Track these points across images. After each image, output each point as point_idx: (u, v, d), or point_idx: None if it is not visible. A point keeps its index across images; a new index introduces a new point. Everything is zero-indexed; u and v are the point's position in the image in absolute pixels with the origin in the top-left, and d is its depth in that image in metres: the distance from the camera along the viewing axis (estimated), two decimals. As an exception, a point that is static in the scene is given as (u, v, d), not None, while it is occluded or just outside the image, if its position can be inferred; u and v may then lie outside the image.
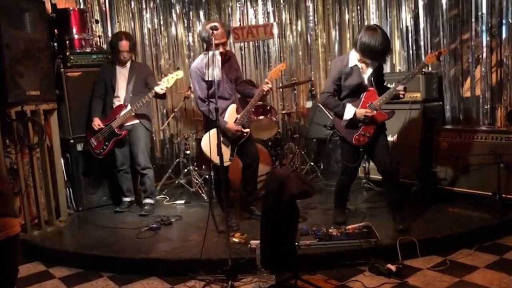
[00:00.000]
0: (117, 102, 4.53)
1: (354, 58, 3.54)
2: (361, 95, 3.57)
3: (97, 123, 4.48)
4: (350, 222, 3.69)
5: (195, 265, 3.19)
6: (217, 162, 3.16)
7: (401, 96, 3.55)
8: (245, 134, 3.85)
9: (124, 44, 4.47)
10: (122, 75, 4.55)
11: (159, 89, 4.36)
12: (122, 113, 4.46)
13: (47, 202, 4.30)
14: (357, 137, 3.59)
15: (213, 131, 3.56)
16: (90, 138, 4.55)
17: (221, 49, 3.66)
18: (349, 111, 3.54)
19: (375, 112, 3.51)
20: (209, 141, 3.68)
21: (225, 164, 3.50)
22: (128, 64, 4.59)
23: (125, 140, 4.59)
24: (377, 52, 3.36)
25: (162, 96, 4.56)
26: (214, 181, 3.81)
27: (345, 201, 3.99)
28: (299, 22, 6.33)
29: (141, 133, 4.58)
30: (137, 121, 4.54)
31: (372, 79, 3.57)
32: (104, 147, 4.50)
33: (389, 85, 3.75)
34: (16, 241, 1.82)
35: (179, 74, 4.59)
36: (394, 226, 3.59)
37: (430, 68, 4.91)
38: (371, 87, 3.57)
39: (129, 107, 4.45)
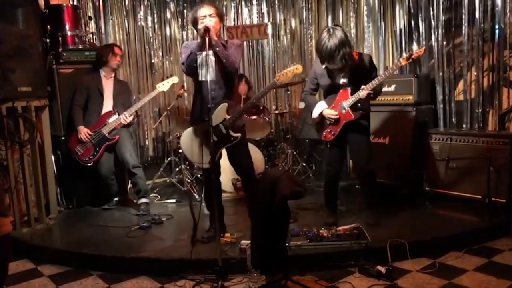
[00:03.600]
0: (105, 110, 4.52)
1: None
2: (337, 94, 3.69)
3: (84, 132, 4.43)
4: (340, 223, 3.70)
5: (185, 264, 3.19)
6: (195, 163, 3.13)
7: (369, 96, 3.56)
8: (231, 139, 3.45)
9: (118, 50, 4.56)
10: (107, 85, 4.56)
11: (122, 119, 4.44)
12: (112, 119, 4.46)
13: (37, 199, 4.26)
14: (324, 133, 3.78)
15: (191, 129, 3.51)
16: (75, 147, 4.47)
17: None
18: (317, 110, 3.76)
19: (343, 111, 3.63)
20: (190, 140, 3.49)
21: (204, 166, 3.32)
22: (112, 76, 4.62)
23: (107, 151, 4.57)
24: (321, 54, 3.49)
25: (128, 125, 4.58)
26: (204, 185, 3.69)
27: (335, 201, 4.02)
28: (293, 23, 6.34)
29: (126, 134, 4.59)
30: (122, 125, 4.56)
31: (350, 78, 3.61)
32: (95, 153, 4.46)
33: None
34: (6, 240, 1.81)
35: (174, 79, 4.70)
36: (365, 220, 3.77)
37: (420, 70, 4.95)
38: (348, 86, 3.63)
39: (117, 114, 4.47)
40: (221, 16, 3.45)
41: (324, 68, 3.66)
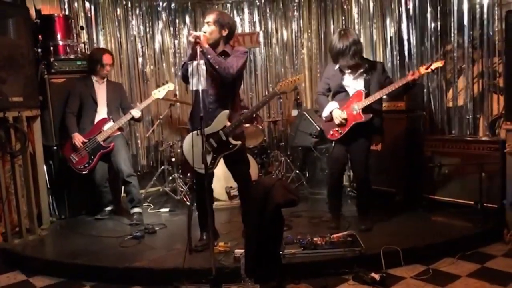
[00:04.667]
0: (99, 117, 4.50)
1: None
2: (347, 96, 3.79)
3: (78, 139, 4.39)
4: (334, 230, 3.70)
5: (179, 274, 3.16)
6: (196, 168, 3.11)
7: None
8: (230, 146, 3.47)
9: (107, 58, 4.50)
10: (101, 90, 4.53)
11: (135, 112, 4.45)
12: (107, 126, 4.43)
13: (28, 210, 4.22)
14: (332, 132, 3.85)
15: (192, 134, 3.48)
16: (70, 155, 4.43)
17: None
18: (328, 108, 3.84)
19: (354, 112, 3.70)
20: (191, 145, 3.38)
21: (201, 171, 3.23)
22: (105, 81, 4.60)
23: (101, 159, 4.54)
24: (332, 53, 3.70)
25: (138, 120, 4.62)
26: (196, 190, 3.65)
27: (338, 206, 4.07)
28: (284, 31, 6.38)
29: (122, 141, 4.57)
30: (117, 132, 4.54)
31: (364, 81, 3.74)
32: (90, 161, 4.42)
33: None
34: None
35: (170, 86, 4.70)
36: (357, 226, 3.81)
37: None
38: (362, 89, 3.73)
39: (112, 121, 4.45)
40: (221, 24, 3.42)
41: (336, 69, 3.80)
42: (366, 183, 3.93)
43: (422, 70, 3.62)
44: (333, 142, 3.91)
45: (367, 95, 3.71)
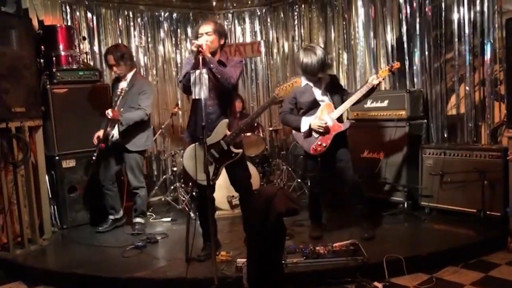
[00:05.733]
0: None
1: (304, 79, 3.79)
2: (319, 109, 3.80)
3: (96, 135, 4.37)
4: (336, 239, 3.68)
5: (181, 284, 3.15)
6: (199, 180, 3.10)
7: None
8: (233, 155, 3.46)
9: (109, 58, 4.37)
10: (120, 89, 4.34)
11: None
12: (114, 130, 4.36)
13: (30, 220, 4.22)
14: (314, 147, 3.80)
15: (192, 147, 3.46)
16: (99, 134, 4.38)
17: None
18: (305, 123, 3.80)
19: (330, 123, 3.73)
20: (194, 156, 3.38)
21: (203, 183, 3.21)
22: (128, 78, 4.43)
23: (111, 158, 4.49)
24: (311, 69, 3.67)
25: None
26: (198, 201, 3.61)
27: (319, 215, 4.08)
28: (285, 41, 6.40)
29: (136, 159, 4.44)
30: (130, 141, 4.38)
31: (328, 94, 3.83)
32: (98, 145, 4.31)
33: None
34: None
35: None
36: (360, 235, 3.77)
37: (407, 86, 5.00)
38: (328, 101, 3.81)
39: (115, 129, 4.35)
40: (220, 33, 3.44)
41: (304, 86, 3.80)
42: (358, 188, 3.91)
43: (384, 72, 3.73)
44: (318, 157, 3.83)
45: (335, 107, 3.78)
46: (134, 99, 4.36)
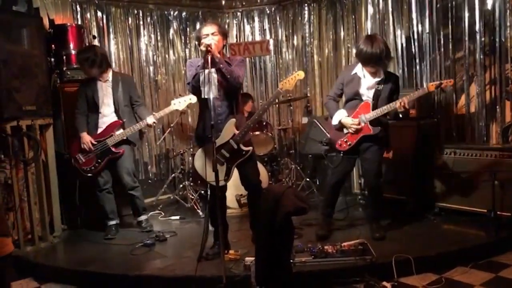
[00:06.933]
0: (102, 119, 4.30)
1: (358, 67, 3.76)
2: (358, 105, 3.74)
3: (87, 139, 4.20)
4: (345, 238, 3.68)
5: (189, 282, 3.17)
6: (209, 181, 3.11)
7: (399, 113, 3.71)
8: (243, 153, 3.49)
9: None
10: (104, 91, 4.30)
11: (151, 121, 4.24)
12: (119, 132, 4.26)
13: (41, 218, 4.27)
14: (340, 142, 3.81)
15: (202, 149, 3.49)
16: (76, 154, 4.26)
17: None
18: (337, 117, 3.80)
19: (362, 124, 3.69)
20: (204, 158, 3.45)
21: (221, 184, 3.19)
22: (110, 78, 4.33)
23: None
24: (367, 56, 3.57)
25: (149, 125, 4.33)
26: (209, 201, 3.55)
27: (330, 212, 4.03)
28: (295, 39, 6.39)
29: (128, 151, 4.38)
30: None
31: (375, 92, 3.70)
32: (96, 164, 4.25)
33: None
34: (7, 260, 1.81)
35: (192, 99, 4.22)
36: (370, 235, 3.79)
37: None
38: (370, 100, 3.70)
39: (121, 130, 4.27)
40: (224, 34, 3.50)
41: (353, 74, 3.76)
42: (377, 191, 3.91)
43: (431, 87, 3.63)
44: (341, 152, 3.83)
45: (375, 106, 3.69)
46: (126, 97, 4.35)
